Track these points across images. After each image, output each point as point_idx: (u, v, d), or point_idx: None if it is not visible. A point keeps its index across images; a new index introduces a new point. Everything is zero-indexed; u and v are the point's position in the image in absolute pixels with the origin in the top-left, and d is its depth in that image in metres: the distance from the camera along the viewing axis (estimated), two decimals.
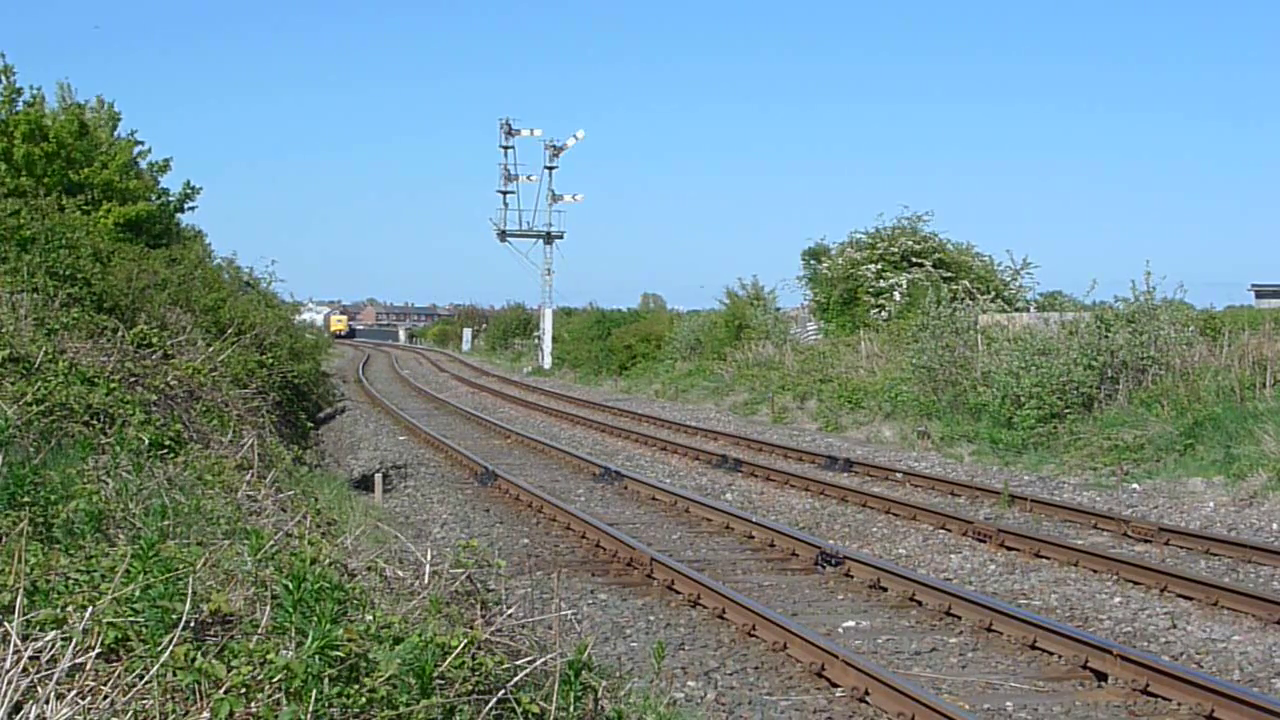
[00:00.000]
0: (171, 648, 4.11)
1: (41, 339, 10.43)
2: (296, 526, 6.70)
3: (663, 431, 29.00)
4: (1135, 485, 18.65)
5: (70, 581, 4.75)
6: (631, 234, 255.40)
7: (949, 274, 40.51)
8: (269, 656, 4.17)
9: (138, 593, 4.48)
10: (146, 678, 4.07)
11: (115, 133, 29.98)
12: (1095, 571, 12.94)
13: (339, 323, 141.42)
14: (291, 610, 4.44)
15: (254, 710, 4.04)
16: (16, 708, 3.93)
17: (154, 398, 10.76)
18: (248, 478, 8.91)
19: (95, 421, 8.90)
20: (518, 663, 4.87)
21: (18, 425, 7.62)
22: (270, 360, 20.64)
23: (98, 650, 4.19)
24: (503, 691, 4.58)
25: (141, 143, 30.26)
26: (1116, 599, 11.88)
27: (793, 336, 41.74)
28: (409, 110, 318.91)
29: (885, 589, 12.15)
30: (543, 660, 4.95)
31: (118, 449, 7.59)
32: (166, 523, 5.78)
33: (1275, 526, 15.34)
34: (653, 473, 21.75)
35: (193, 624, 4.43)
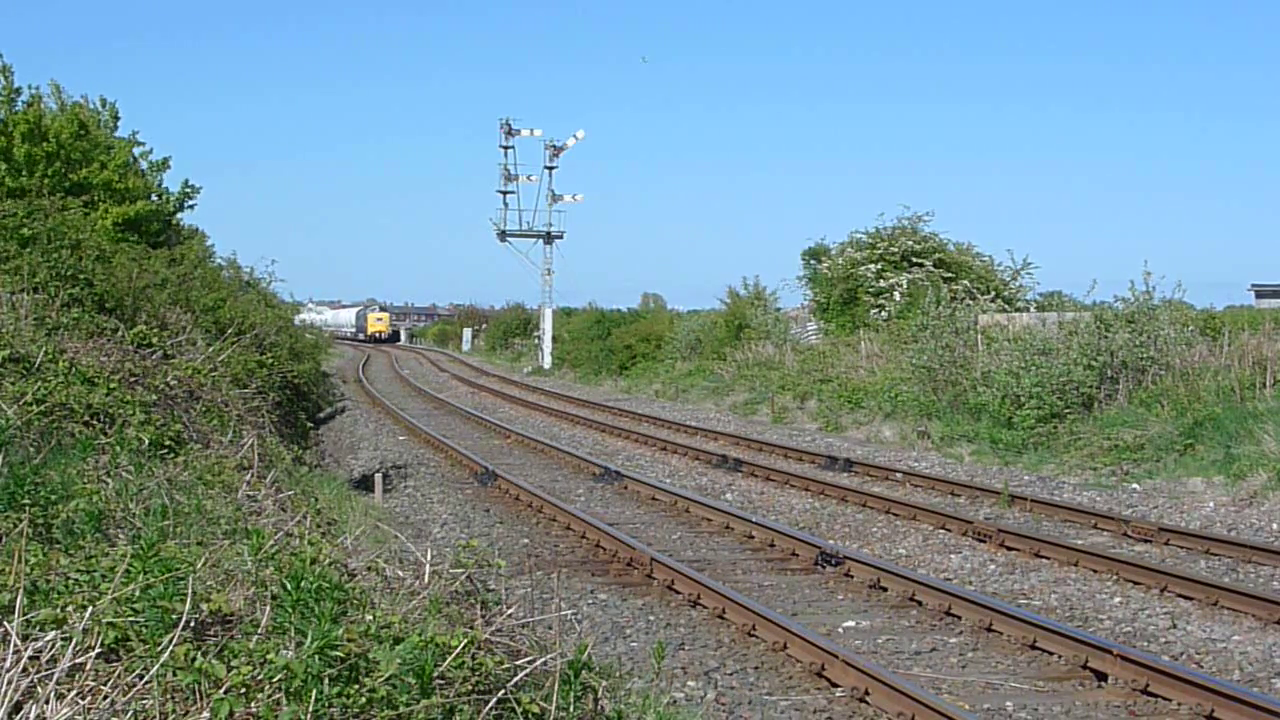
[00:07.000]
0: (171, 648, 4.11)
1: (41, 339, 10.42)
2: (296, 526, 6.69)
3: (663, 431, 29.00)
4: (1135, 485, 18.65)
5: (70, 581, 4.75)
6: (631, 234, 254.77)
7: (949, 274, 40.52)
8: (269, 656, 4.17)
9: (138, 593, 4.48)
10: (146, 678, 4.07)
11: (115, 132, 29.97)
12: (1095, 571, 12.94)
13: (379, 322, 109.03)
14: (291, 610, 4.44)
15: (254, 710, 4.04)
16: (16, 708, 3.93)
17: (154, 398, 10.75)
18: (248, 478, 8.90)
19: (95, 421, 8.89)
20: (518, 663, 4.86)
21: (18, 425, 7.62)
22: (270, 360, 20.61)
23: (98, 650, 4.19)
24: (503, 691, 4.58)
25: (142, 143, 30.29)
26: (1116, 599, 11.89)
27: (793, 336, 41.72)
28: (409, 110, 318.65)
29: (885, 589, 12.15)
30: (543, 660, 4.95)
31: (118, 449, 7.59)
32: (166, 523, 5.78)
33: (1275, 526, 15.34)
34: (653, 473, 21.75)
35: (193, 624, 4.43)
